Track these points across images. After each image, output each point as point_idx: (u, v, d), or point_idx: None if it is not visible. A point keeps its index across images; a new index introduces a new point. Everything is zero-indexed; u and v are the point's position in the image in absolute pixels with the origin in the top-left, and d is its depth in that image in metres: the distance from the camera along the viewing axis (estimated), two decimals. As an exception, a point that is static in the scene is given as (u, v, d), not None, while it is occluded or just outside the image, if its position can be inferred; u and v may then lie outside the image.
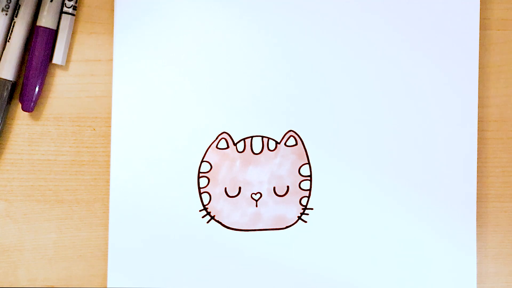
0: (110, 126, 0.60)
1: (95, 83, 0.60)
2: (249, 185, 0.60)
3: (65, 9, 0.59)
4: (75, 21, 0.60)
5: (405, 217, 0.60)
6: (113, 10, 0.60)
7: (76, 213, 0.60)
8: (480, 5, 0.60)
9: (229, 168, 0.60)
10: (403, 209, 0.60)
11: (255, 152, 0.60)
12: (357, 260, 0.60)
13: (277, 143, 0.60)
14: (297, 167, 0.60)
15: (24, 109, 0.59)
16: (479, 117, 0.61)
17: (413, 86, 0.60)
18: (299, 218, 0.60)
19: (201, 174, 0.60)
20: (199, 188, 0.60)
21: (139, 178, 0.59)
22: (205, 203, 0.60)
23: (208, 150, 0.60)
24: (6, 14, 0.59)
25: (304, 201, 0.60)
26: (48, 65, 0.60)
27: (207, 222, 0.60)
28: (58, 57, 0.59)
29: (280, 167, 0.60)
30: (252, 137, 0.60)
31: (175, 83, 0.59)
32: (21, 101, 0.59)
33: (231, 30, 0.60)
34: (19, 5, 0.59)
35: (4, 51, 0.59)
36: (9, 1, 0.59)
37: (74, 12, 0.59)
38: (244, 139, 0.60)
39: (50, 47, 0.59)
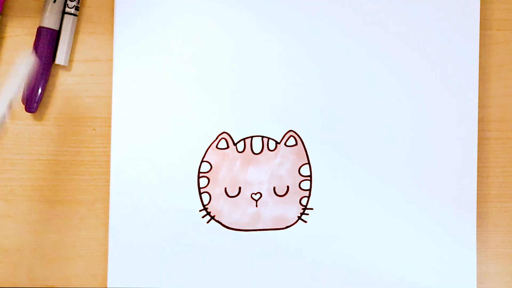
0: (110, 126, 0.60)
1: (95, 83, 0.60)
2: (249, 185, 0.60)
3: (67, 9, 0.59)
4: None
5: (405, 217, 0.60)
6: (113, 10, 0.60)
7: (76, 213, 0.60)
8: (480, 5, 0.60)
9: (229, 168, 0.60)
10: (403, 209, 0.60)
11: (255, 152, 0.60)
12: (357, 260, 0.60)
13: (277, 143, 0.60)
14: (297, 167, 0.60)
15: (27, 110, 0.59)
16: (479, 117, 0.61)
17: (413, 86, 0.60)
18: (299, 218, 0.60)
19: (201, 174, 0.60)
20: (199, 188, 0.60)
21: (139, 178, 0.59)
22: (205, 203, 0.60)
23: (208, 150, 0.60)
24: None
25: (304, 201, 0.60)
26: (51, 66, 0.60)
27: (207, 222, 0.60)
28: (61, 58, 0.59)
29: (280, 167, 0.60)
30: (252, 137, 0.60)
31: (175, 83, 0.59)
32: (24, 102, 0.59)
33: (231, 30, 0.60)
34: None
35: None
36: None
37: (77, 13, 0.60)
38: (244, 139, 0.60)
39: (53, 48, 0.59)
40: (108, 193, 0.60)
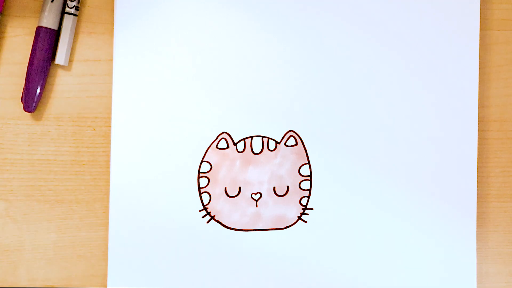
0: (110, 126, 0.60)
1: (95, 83, 0.60)
2: (249, 185, 0.60)
3: (67, 9, 0.59)
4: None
5: (405, 217, 0.60)
6: (113, 10, 0.60)
7: (76, 213, 0.60)
8: (480, 5, 0.60)
9: (229, 168, 0.60)
10: (403, 209, 0.60)
11: (255, 152, 0.60)
12: (357, 260, 0.60)
13: (277, 143, 0.60)
14: (297, 167, 0.60)
15: (26, 110, 0.59)
16: (479, 117, 0.61)
17: (413, 86, 0.60)
18: (299, 218, 0.60)
19: (201, 174, 0.60)
20: (199, 188, 0.60)
21: (139, 178, 0.59)
22: (205, 203, 0.60)
23: (208, 150, 0.60)
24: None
25: (304, 201, 0.60)
26: (50, 66, 0.60)
27: (207, 222, 0.60)
28: (60, 58, 0.59)
29: (280, 167, 0.60)
30: (252, 137, 0.60)
31: (175, 83, 0.59)
32: (23, 101, 0.59)
33: (231, 30, 0.60)
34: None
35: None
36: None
37: (77, 13, 0.60)
38: (244, 139, 0.60)
39: (52, 48, 0.59)
40: (108, 193, 0.60)
